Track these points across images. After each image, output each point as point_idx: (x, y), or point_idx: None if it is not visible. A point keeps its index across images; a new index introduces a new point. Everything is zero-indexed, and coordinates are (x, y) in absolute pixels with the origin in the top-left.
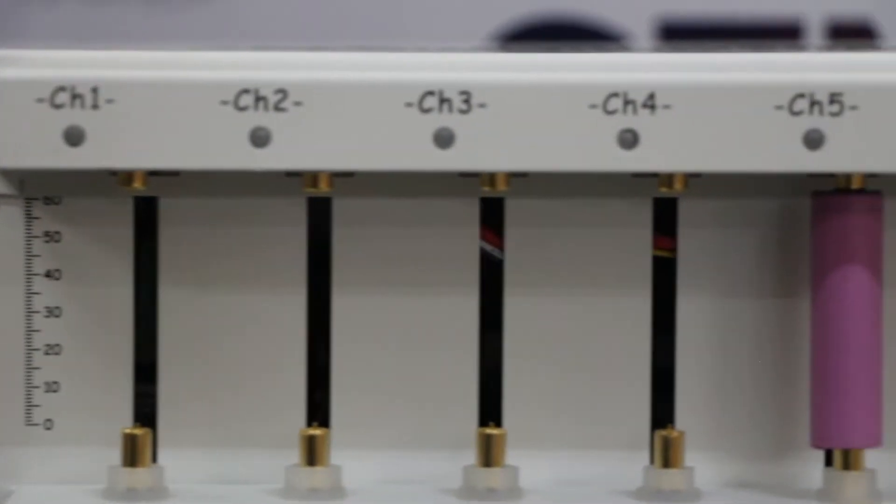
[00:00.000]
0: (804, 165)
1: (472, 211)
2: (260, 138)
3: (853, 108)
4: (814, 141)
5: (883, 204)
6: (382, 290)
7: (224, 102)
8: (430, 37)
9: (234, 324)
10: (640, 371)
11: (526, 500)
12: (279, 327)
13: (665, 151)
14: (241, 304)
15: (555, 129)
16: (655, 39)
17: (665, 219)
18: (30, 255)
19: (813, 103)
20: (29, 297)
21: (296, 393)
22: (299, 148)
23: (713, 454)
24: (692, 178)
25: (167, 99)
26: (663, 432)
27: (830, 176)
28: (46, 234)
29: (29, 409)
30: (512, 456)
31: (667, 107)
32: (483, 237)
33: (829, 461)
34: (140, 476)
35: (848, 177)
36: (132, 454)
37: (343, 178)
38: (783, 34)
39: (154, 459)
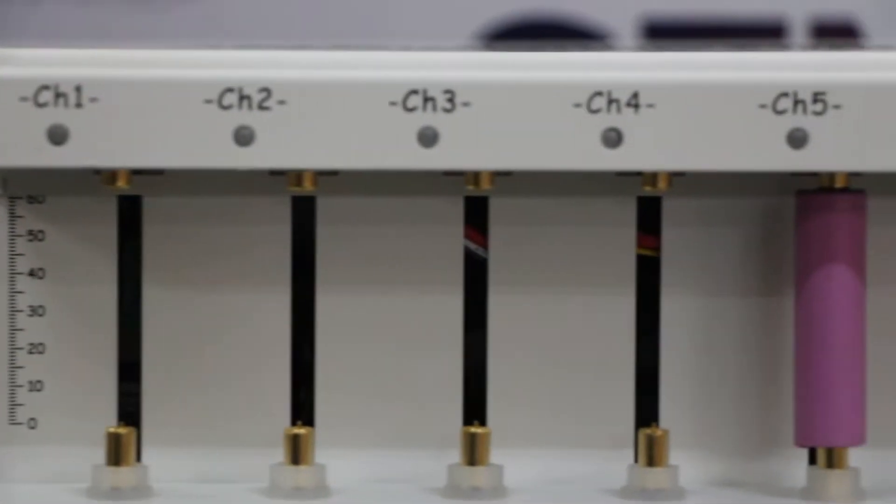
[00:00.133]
0: (788, 164)
1: (457, 210)
2: (244, 137)
3: (836, 107)
4: (797, 140)
5: (866, 203)
6: (367, 288)
7: (208, 101)
8: (415, 36)
9: (218, 322)
10: (625, 370)
11: (510, 498)
12: (263, 326)
13: (649, 150)
14: (226, 302)
15: (539, 127)
16: (639, 38)
17: (649, 218)
18: (13, 254)
19: (796, 102)
20: (12, 295)
21: (280, 392)
22: (283, 147)
23: (697, 453)
24: (676, 177)
25: (151, 98)
26: (647, 431)
27: (814, 175)
28: (30, 232)
29: (12, 408)
30: (496, 455)
31: (651, 106)
32: (467, 236)
33: (812, 459)
34: (124, 475)
35: (831, 176)
36: (116, 453)
37: (327, 177)
38: (767, 33)
39: (138, 458)
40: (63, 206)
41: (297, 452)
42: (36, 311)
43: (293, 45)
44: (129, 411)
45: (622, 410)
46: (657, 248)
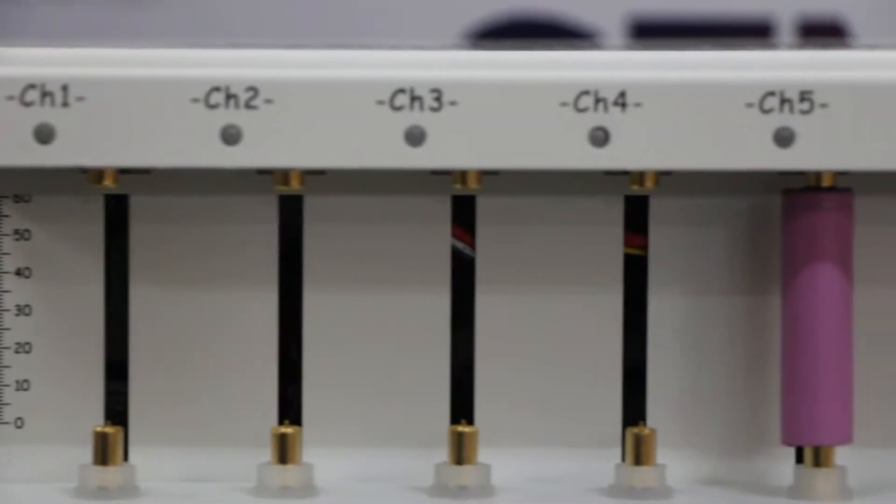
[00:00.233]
0: (774, 163)
1: (444, 209)
2: (231, 136)
3: (823, 105)
4: (784, 139)
5: (853, 201)
6: (354, 287)
7: (195, 100)
8: (402, 34)
9: (205, 322)
10: (612, 368)
11: (498, 497)
12: (251, 325)
13: (636, 149)
14: (213, 301)
15: (526, 126)
16: (627, 37)
17: (636, 216)
18: None
19: (783, 101)
20: None
21: (267, 391)
22: (270, 145)
23: (685, 452)
24: (663, 176)
25: (138, 97)
26: (635, 430)
27: (801, 174)
28: (16, 231)
29: None
30: (484, 454)
31: (638, 105)
32: (454, 235)
33: (799, 458)
34: (111, 474)
35: (818, 174)
36: (103, 452)
37: (314, 176)
38: (754, 32)
39: (125, 458)
40: (50, 206)
41: (284, 452)
42: (22, 310)
43: (280, 44)
44: (117, 410)
45: (609, 409)
46: (644, 247)
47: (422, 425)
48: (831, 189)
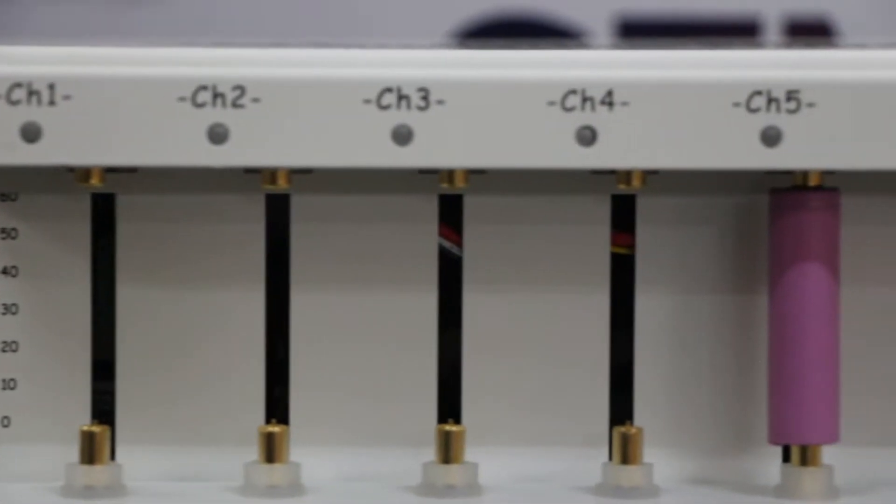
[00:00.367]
0: (761, 162)
1: (431, 208)
2: (218, 135)
3: (810, 105)
4: (771, 138)
5: (840, 201)
6: (341, 286)
7: (182, 99)
8: (389, 33)
9: (192, 321)
10: (599, 367)
11: (485, 496)
12: (238, 324)
13: (623, 148)
14: (200, 300)
15: (513, 125)
16: (614, 36)
17: (623, 215)
18: None
19: (770, 100)
20: None
21: (254, 390)
22: (257, 144)
23: (672, 450)
24: (650, 175)
25: (124, 95)
26: (622, 429)
27: (788, 173)
28: (3, 230)
29: None
30: (471, 453)
31: (625, 104)
32: (442, 234)
33: (786, 457)
34: (98, 473)
35: (805, 174)
36: (90, 452)
37: (301, 175)
38: (741, 31)
39: (112, 457)
40: (36, 204)
41: (271, 451)
42: (9, 309)
43: (267, 42)
44: (103, 409)
45: (596, 408)
46: (631, 246)
47: (409, 424)
48: (818, 188)
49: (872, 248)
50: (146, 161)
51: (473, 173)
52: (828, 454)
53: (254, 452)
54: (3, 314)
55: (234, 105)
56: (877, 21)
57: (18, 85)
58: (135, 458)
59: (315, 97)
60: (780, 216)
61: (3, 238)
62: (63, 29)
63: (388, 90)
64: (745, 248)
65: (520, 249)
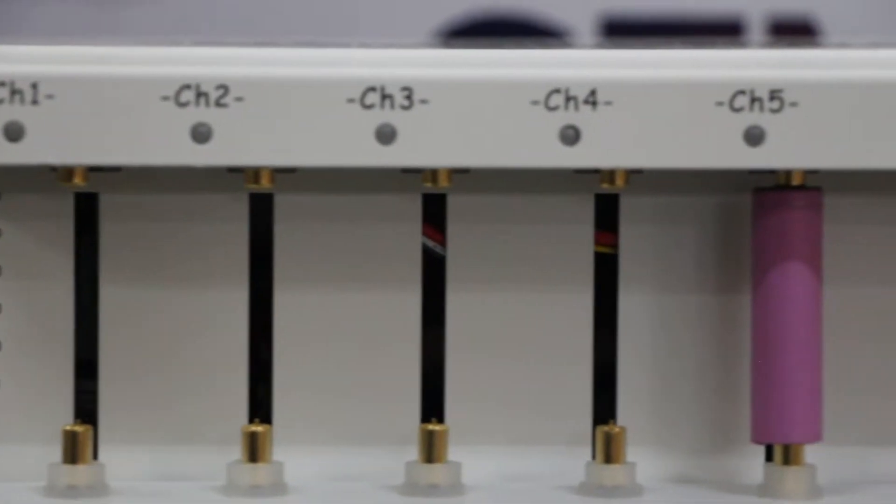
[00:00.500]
0: (745, 162)
1: (415, 207)
2: (201, 134)
3: (793, 104)
4: (754, 137)
5: (823, 200)
6: (324, 286)
7: (165, 98)
8: (372, 33)
9: (175, 320)
10: (582, 367)
11: (468, 496)
12: (221, 323)
13: (606, 148)
14: (183, 300)
15: (497, 125)
16: (597, 36)
17: (607, 215)
18: None
19: (753, 100)
20: None
21: (238, 389)
22: (241, 144)
23: (655, 450)
24: (633, 175)
25: (108, 94)
26: (605, 428)
27: (771, 172)
28: None
29: None
30: (454, 452)
31: (608, 103)
32: (425, 233)
33: (769, 456)
34: (81, 473)
35: (788, 173)
36: (73, 451)
37: (285, 174)
38: (724, 31)
39: (95, 457)
40: (19, 204)
41: (254, 450)
42: None
43: (251, 41)
44: (86, 409)
45: (580, 407)
46: (615, 246)
47: (392, 424)
48: (801, 188)
49: (855, 248)
50: (129, 160)
51: (457, 172)
52: (810, 453)
53: (237, 452)
54: None
55: (218, 104)
56: (860, 20)
57: (1, 84)
58: (117, 458)
59: (298, 96)
60: (763, 215)
61: None
62: (46, 28)
63: (372, 89)
64: (728, 248)
65: (503, 249)
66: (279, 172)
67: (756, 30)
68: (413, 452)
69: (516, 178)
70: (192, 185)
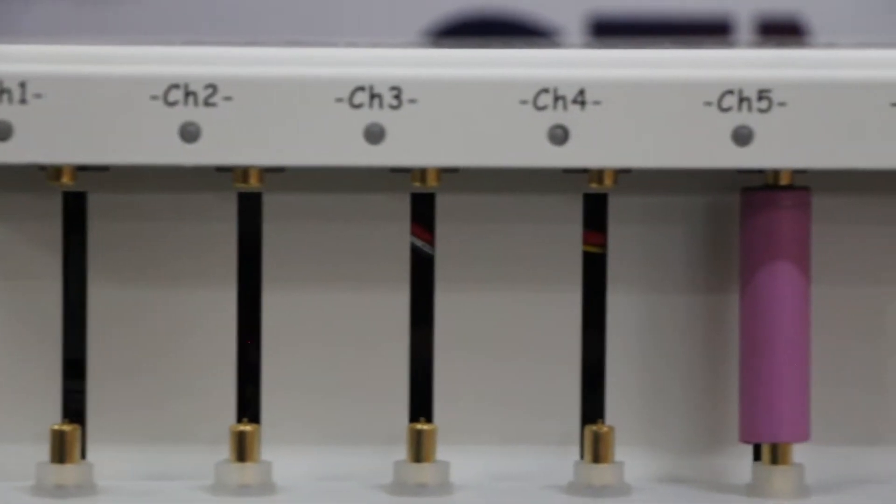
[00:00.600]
0: (733, 161)
1: (403, 206)
2: (190, 133)
3: (781, 104)
4: (742, 137)
5: (811, 200)
6: (313, 285)
7: (153, 97)
8: (361, 32)
9: (163, 319)
10: (571, 366)
11: (456, 495)
12: (209, 323)
13: (595, 147)
14: (171, 299)
15: (485, 124)
16: (586, 35)
17: (595, 214)
18: None
19: (742, 100)
20: None
21: (226, 389)
22: (229, 143)
23: (643, 449)
24: (622, 174)
25: (96, 94)
26: (593, 427)
27: (759, 172)
28: None
29: None
30: (443, 451)
31: (597, 103)
32: (414, 233)
33: (757, 456)
34: (69, 472)
35: (776, 173)
36: (61, 451)
37: (273, 174)
38: (712, 31)
39: (83, 456)
40: (7, 203)
41: (242, 449)
42: None
43: (239, 41)
44: (74, 408)
45: (568, 407)
46: (603, 245)
47: (381, 423)
48: (789, 187)
49: (843, 247)
50: (118, 160)
51: (445, 172)
52: (798, 453)
53: (225, 451)
54: None
55: (206, 103)
56: (848, 20)
57: None
58: (106, 458)
59: (287, 96)
60: (751, 215)
61: None
62: (35, 27)
63: (361, 89)
64: (716, 247)
65: (492, 248)
66: (268, 172)
67: (744, 30)
68: (401, 452)
69: (505, 178)
70: (180, 184)
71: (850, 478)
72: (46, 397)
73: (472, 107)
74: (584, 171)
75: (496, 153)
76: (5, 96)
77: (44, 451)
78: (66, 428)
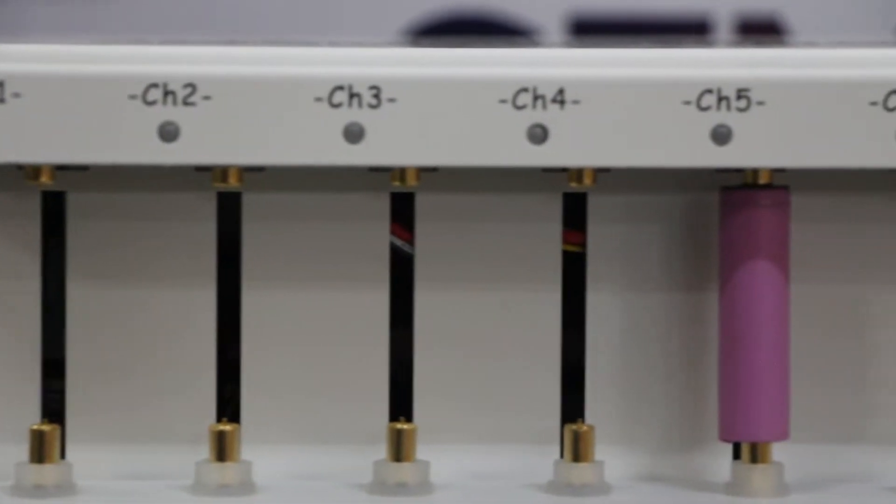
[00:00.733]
0: (712, 160)
1: (383, 206)
2: (169, 133)
3: (760, 103)
4: (721, 136)
5: (790, 199)
6: (292, 285)
7: (132, 97)
8: (340, 31)
9: (143, 319)
10: (551, 365)
11: (436, 494)
12: (189, 322)
13: (574, 146)
14: (151, 299)
15: (465, 123)
16: (565, 35)
17: (575, 214)
18: None
19: (720, 99)
20: None
21: (206, 388)
22: (208, 142)
23: (623, 448)
24: (601, 173)
25: (75, 93)
26: (573, 426)
27: (738, 171)
28: None
29: None
30: (423, 451)
31: (576, 102)
32: (393, 232)
33: (737, 454)
34: (48, 472)
35: (755, 172)
36: (40, 451)
37: (253, 173)
38: (692, 30)
39: (62, 456)
40: None
41: (222, 449)
42: None
43: (218, 40)
44: (54, 408)
45: (548, 406)
46: (583, 244)
47: (361, 422)
48: (768, 186)
49: (822, 246)
50: (97, 159)
51: (425, 171)
52: (778, 451)
53: (205, 451)
54: None
55: (185, 103)
56: (826, 20)
57: None
58: (85, 457)
59: (266, 95)
60: (730, 214)
61: None
62: (13, 26)
63: (340, 88)
64: (695, 246)
65: (471, 247)
66: (247, 171)
67: (723, 29)
68: (381, 451)
69: (484, 177)
70: (159, 183)
71: (829, 476)
72: (25, 397)
73: (452, 106)
74: (564, 170)
75: (475, 152)
76: None
77: (23, 451)
78: (46, 428)
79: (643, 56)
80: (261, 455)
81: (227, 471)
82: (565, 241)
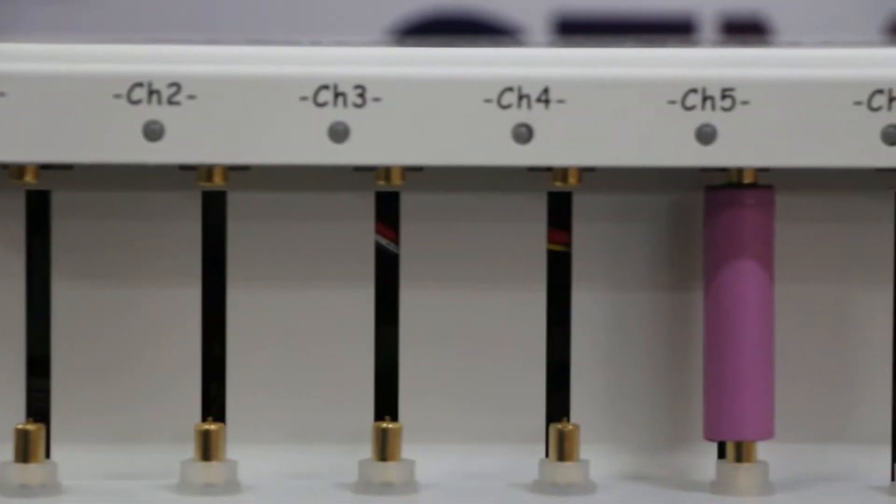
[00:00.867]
0: (697, 160)
1: (368, 205)
2: (153, 132)
3: (745, 102)
4: (706, 135)
5: (774, 198)
6: (278, 284)
7: (117, 96)
8: (325, 31)
9: (128, 318)
10: (536, 364)
11: (422, 494)
12: (174, 321)
13: (559, 146)
14: (136, 298)
15: (450, 123)
16: (550, 34)
17: (560, 213)
18: None
19: (705, 98)
20: None
21: (191, 387)
22: (193, 142)
23: (608, 447)
24: (586, 173)
25: (60, 92)
26: (558, 425)
27: (723, 170)
28: None
29: None
30: (408, 450)
31: (561, 101)
32: (378, 231)
33: (722, 453)
34: (33, 472)
35: (740, 171)
36: (25, 450)
37: (238, 172)
38: (676, 30)
39: (47, 455)
40: None
41: (207, 448)
42: None
43: (203, 39)
44: (39, 408)
45: (533, 405)
46: (568, 244)
47: (346, 421)
48: (752, 186)
49: (806, 245)
50: (81, 158)
51: (410, 170)
52: (762, 450)
53: (190, 450)
54: None
55: (170, 102)
56: (811, 20)
57: None
58: (70, 457)
59: (251, 94)
60: (714, 213)
61: None
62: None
63: (325, 87)
64: (680, 246)
65: (456, 246)
66: (232, 170)
67: (708, 28)
68: (367, 450)
69: (469, 176)
70: (144, 182)
71: (814, 475)
72: (10, 396)
73: (437, 105)
74: (549, 169)
75: (460, 152)
76: None
77: (8, 450)
78: (31, 427)
79: (628, 56)
80: (246, 454)
81: (213, 470)
82: (550, 240)
